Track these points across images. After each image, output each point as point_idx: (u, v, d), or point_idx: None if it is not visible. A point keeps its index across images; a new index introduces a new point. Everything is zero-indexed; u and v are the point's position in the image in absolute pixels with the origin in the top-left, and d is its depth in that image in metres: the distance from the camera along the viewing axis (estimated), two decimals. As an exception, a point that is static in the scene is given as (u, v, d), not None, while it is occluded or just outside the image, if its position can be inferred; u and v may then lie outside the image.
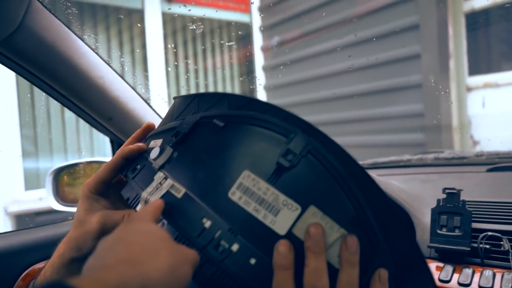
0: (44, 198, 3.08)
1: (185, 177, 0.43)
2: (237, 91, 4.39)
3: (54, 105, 3.26)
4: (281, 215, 0.38)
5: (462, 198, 0.71)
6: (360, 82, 3.11)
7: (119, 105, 0.84)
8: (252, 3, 4.12)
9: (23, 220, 3.02)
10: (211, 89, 4.21)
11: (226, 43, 4.30)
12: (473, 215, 0.69)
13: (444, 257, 0.68)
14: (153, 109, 0.93)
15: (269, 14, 3.97)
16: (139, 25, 3.64)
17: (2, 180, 3.03)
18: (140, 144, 0.51)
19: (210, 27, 4.21)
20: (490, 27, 3.01)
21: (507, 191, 0.79)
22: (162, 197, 0.43)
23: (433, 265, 0.69)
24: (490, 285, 0.60)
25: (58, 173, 1.13)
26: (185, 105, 0.50)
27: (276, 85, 3.98)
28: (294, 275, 0.36)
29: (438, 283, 0.65)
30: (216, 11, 4.07)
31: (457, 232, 0.68)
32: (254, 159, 0.40)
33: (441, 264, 0.68)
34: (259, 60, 4.16)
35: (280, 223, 0.37)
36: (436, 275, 0.66)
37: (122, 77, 0.84)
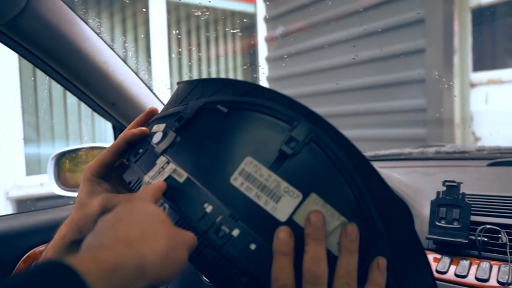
0: (45, 184, 3.10)
1: (188, 162, 0.43)
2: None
3: (57, 90, 3.26)
4: (282, 202, 0.38)
5: (462, 191, 0.71)
6: (363, 75, 3.11)
7: (122, 91, 0.84)
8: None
9: (25, 205, 3.04)
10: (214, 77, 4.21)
11: (230, 33, 4.28)
12: (472, 208, 0.69)
13: (442, 248, 0.69)
14: (156, 96, 0.93)
15: (274, 4, 3.95)
16: (144, 10, 3.62)
17: (4, 165, 3.04)
18: (143, 128, 0.50)
19: (215, 16, 4.19)
20: (496, 23, 2.99)
21: (507, 185, 0.80)
22: (166, 179, 0.43)
23: (431, 257, 0.69)
24: (486, 276, 0.61)
25: (60, 158, 1.14)
26: (189, 90, 0.50)
27: (279, 76, 3.97)
28: (293, 261, 0.36)
29: (436, 274, 0.65)
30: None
31: (455, 225, 0.68)
32: (257, 146, 0.40)
33: (438, 256, 0.68)
34: (262, 50, 4.15)
35: (281, 210, 0.37)
36: (433, 266, 0.67)
37: (125, 62, 0.84)
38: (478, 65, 3.07)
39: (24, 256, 0.85)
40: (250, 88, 0.44)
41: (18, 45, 0.68)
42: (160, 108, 0.55)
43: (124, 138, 0.50)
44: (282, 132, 0.40)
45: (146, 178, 0.45)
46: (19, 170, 3.11)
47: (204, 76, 4.15)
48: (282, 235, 0.36)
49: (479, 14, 2.96)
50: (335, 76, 3.33)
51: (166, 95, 3.66)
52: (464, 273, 0.63)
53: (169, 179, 0.43)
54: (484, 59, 3.07)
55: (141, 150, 0.49)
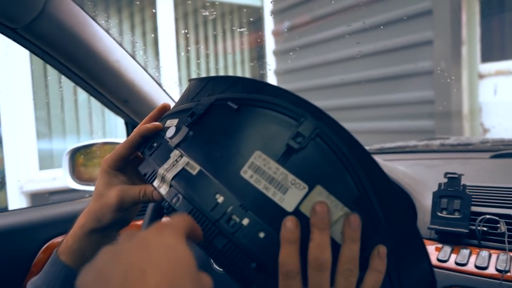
0: (57, 178, 3.16)
1: (200, 155, 0.45)
2: (247, 75, 4.40)
3: (67, 86, 3.31)
4: (289, 193, 0.40)
5: (463, 182, 0.73)
6: (371, 68, 3.11)
7: (134, 88, 0.88)
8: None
9: (39, 198, 3.11)
10: (221, 73, 4.23)
11: (237, 28, 4.29)
12: (472, 199, 0.71)
13: (444, 238, 0.71)
14: (166, 92, 0.96)
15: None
16: (151, 5, 3.65)
17: (18, 160, 3.11)
18: (157, 123, 0.53)
19: (222, 11, 4.20)
20: (504, 13, 2.97)
21: (509, 176, 0.82)
22: (178, 173, 0.45)
23: (432, 246, 0.72)
24: (485, 265, 0.63)
25: (74, 153, 1.17)
26: (200, 87, 0.52)
27: (287, 70, 3.98)
28: (299, 249, 0.39)
29: (437, 263, 0.68)
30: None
31: (456, 215, 0.71)
32: (266, 141, 0.42)
33: (440, 245, 0.71)
34: (269, 44, 4.16)
35: (288, 201, 0.39)
36: (435, 255, 0.69)
37: (136, 61, 0.87)
38: (487, 56, 3.06)
39: (44, 247, 0.90)
40: (259, 85, 0.46)
41: (35, 47, 0.71)
42: (170, 104, 0.57)
43: (139, 132, 0.53)
44: (289, 127, 0.42)
45: (161, 170, 0.47)
46: (33, 165, 3.18)
47: (212, 70, 4.18)
48: (289, 224, 0.38)
49: (487, 4, 2.94)
50: (342, 69, 3.33)
51: (175, 91, 3.70)
52: (464, 262, 0.66)
53: (183, 172, 0.45)
54: (493, 50, 3.05)
55: (155, 144, 0.51)
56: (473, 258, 0.66)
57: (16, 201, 3.09)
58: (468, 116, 3.13)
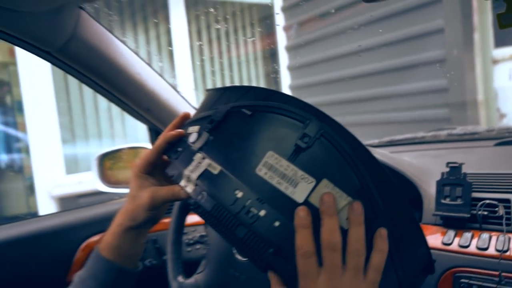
0: (83, 182, 3.29)
1: (220, 157, 0.51)
2: (260, 72, 4.46)
3: (88, 94, 3.43)
4: (299, 187, 0.46)
5: (466, 170, 0.79)
6: (383, 59, 3.12)
7: (155, 97, 0.95)
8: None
9: (67, 202, 3.24)
10: (235, 70, 4.29)
11: (249, 25, 4.35)
12: (473, 186, 0.76)
13: (447, 223, 0.77)
14: (184, 99, 1.04)
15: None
16: (164, 6, 3.73)
17: (45, 166, 3.25)
18: (180, 130, 0.59)
19: (232, 10, 4.27)
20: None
21: (510, 163, 0.86)
22: (201, 173, 0.52)
23: (438, 230, 0.77)
24: (486, 246, 0.69)
25: (103, 158, 1.26)
26: (217, 96, 0.58)
27: (299, 65, 4.02)
28: (313, 234, 0.44)
29: (442, 246, 0.73)
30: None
31: (458, 201, 0.76)
32: (277, 142, 0.48)
33: (444, 230, 0.76)
34: (281, 40, 4.20)
35: (299, 193, 0.45)
36: (439, 239, 0.75)
37: (156, 72, 0.95)
38: (500, 41, 3.04)
39: (82, 246, 0.98)
40: (270, 93, 0.52)
41: (68, 67, 0.80)
42: (187, 109, 0.64)
43: (164, 139, 0.60)
44: (297, 129, 0.48)
45: (186, 171, 0.53)
46: (59, 170, 3.31)
47: (226, 69, 4.24)
48: (301, 212, 0.44)
49: (498, -11, 2.92)
50: (355, 61, 3.36)
51: (192, 97, 3.77)
52: (467, 244, 0.71)
53: (206, 172, 0.51)
54: (506, 35, 3.03)
55: (179, 149, 0.57)
56: (474, 241, 0.71)
57: (45, 205, 3.23)
58: (484, 103, 3.12)
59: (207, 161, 0.52)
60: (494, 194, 0.75)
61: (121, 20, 3.61)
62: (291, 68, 4.13)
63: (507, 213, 0.71)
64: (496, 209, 0.72)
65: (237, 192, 0.48)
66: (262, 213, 0.46)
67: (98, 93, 0.92)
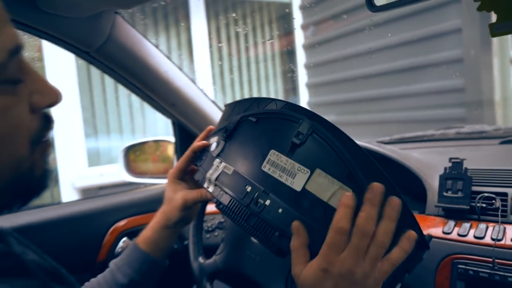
0: (104, 174, 3.41)
1: (233, 159, 0.62)
2: (278, 70, 4.52)
3: (110, 90, 3.55)
4: (297, 177, 0.54)
5: (469, 166, 0.84)
6: (399, 58, 3.15)
7: (180, 94, 1.03)
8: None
9: (89, 193, 3.37)
10: (253, 68, 4.36)
11: (267, 24, 4.41)
12: (474, 180, 0.82)
13: (449, 214, 0.83)
14: (206, 96, 1.12)
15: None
16: (183, 5, 3.82)
17: (69, 158, 3.38)
18: (205, 142, 0.71)
19: (251, 9, 4.33)
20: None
21: (511, 160, 0.91)
22: (219, 175, 0.62)
23: (439, 221, 0.83)
24: (482, 235, 0.75)
25: (129, 150, 1.35)
26: (231, 109, 0.69)
27: (316, 63, 4.06)
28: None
29: (442, 235, 0.79)
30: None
31: (459, 194, 0.82)
32: (277, 141, 0.58)
33: (446, 220, 0.82)
34: (299, 39, 4.25)
35: (297, 183, 0.54)
36: (440, 229, 0.81)
37: (182, 71, 1.03)
38: (519, 40, 3.02)
39: (110, 229, 1.07)
40: (270, 101, 0.63)
41: (104, 66, 0.88)
42: (208, 106, 0.72)
43: (192, 149, 0.72)
44: (292, 129, 0.57)
45: (208, 175, 0.64)
46: (82, 162, 3.44)
47: (244, 67, 4.32)
48: (349, 194, 0.49)
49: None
50: (372, 60, 3.38)
51: (211, 93, 3.85)
52: (465, 233, 0.77)
53: (222, 173, 0.62)
54: (525, 34, 3.00)
55: (204, 157, 0.69)
56: (472, 230, 0.77)
57: (68, 196, 3.37)
58: (501, 103, 3.11)
59: (223, 164, 0.63)
60: (492, 188, 0.81)
61: (146, 20, 3.71)
62: (308, 66, 4.18)
63: (503, 205, 0.77)
64: (493, 201, 0.78)
65: (247, 187, 0.58)
66: (268, 202, 0.55)
67: (128, 89, 1.01)
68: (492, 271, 0.71)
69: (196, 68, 3.88)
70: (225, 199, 0.60)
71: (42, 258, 0.52)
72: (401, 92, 3.20)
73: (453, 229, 0.79)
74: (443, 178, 0.85)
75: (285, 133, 0.58)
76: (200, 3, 3.87)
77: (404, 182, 1.05)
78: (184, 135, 1.20)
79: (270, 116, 0.60)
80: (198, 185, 0.72)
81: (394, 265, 0.49)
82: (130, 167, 1.35)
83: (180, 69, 1.01)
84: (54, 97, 0.47)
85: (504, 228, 0.74)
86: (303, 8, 4.14)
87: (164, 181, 1.29)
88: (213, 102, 1.12)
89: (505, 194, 0.78)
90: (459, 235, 0.77)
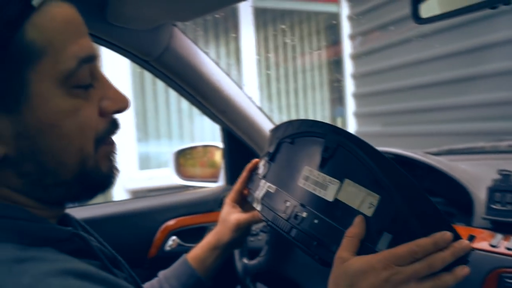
0: (153, 178, 3.55)
1: (275, 179, 0.69)
2: (324, 79, 4.53)
3: (161, 97, 3.71)
4: (328, 189, 0.58)
5: (517, 179, 0.83)
6: (450, 69, 3.06)
7: (231, 101, 1.09)
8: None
9: (139, 195, 3.51)
10: (299, 77, 4.39)
11: (314, 33, 4.43)
12: (524, 194, 0.80)
13: (497, 227, 0.81)
14: (255, 104, 1.16)
15: (357, 1, 4.01)
16: (233, 18, 3.93)
17: (122, 161, 3.55)
18: (256, 159, 0.79)
19: (299, 19, 4.38)
20: None
21: None
22: (264, 194, 0.69)
23: (487, 234, 0.82)
24: (532, 250, 0.73)
25: (179, 154, 1.42)
26: (273, 134, 0.76)
27: (364, 73, 4.03)
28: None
29: (490, 248, 0.78)
30: (306, 3, 4.23)
31: (508, 207, 0.80)
32: (309, 157, 0.63)
33: (493, 233, 0.81)
34: (346, 49, 4.23)
35: (329, 194, 0.58)
36: (487, 241, 0.80)
37: (233, 80, 1.08)
38: None
39: (161, 228, 1.14)
40: (300, 122, 0.68)
41: (162, 74, 0.95)
42: (256, 112, 0.77)
43: (245, 170, 0.80)
44: (320, 144, 0.61)
45: (255, 195, 0.71)
46: (133, 166, 3.60)
47: (291, 76, 4.35)
48: (449, 235, 0.50)
49: None
50: (421, 70, 3.31)
51: (256, 98, 3.92)
52: (513, 247, 0.76)
53: (267, 192, 0.69)
54: None
55: (254, 180, 0.76)
56: (521, 244, 0.75)
57: (120, 197, 3.53)
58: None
59: (267, 184, 0.70)
60: (544, 202, 0.79)
61: (201, 32, 3.86)
62: (355, 76, 4.15)
63: (554, 220, 0.75)
64: (544, 215, 0.76)
65: (286, 202, 0.63)
66: (304, 214, 0.60)
67: (183, 97, 1.07)
68: (541, 287, 0.69)
69: (244, 77, 3.96)
70: (270, 215, 0.66)
71: (103, 245, 0.58)
72: (450, 104, 3.11)
73: (501, 242, 0.78)
74: (492, 190, 0.83)
75: (315, 149, 0.62)
76: (249, 14, 3.96)
77: (450, 194, 1.04)
78: (232, 141, 1.25)
79: (302, 135, 0.66)
80: (251, 208, 0.77)
81: None
82: (179, 170, 1.42)
83: (230, 78, 1.07)
84: (122, 104, 0.52)
85: (554, 243, 0.72)
86: (350, 18, 4.12)
87: (211, 184, 1.34)
88: (260, 109, 1.16)
89: (557, 209, 0.76)
90: (507, 248, 0.76)
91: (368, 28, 3.89)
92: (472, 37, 2.91)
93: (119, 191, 3.53)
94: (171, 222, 1.16)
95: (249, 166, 0.80)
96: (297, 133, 0.67)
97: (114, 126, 0.52)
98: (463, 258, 0.57)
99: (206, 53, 1.01)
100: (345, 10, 4.19)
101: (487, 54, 2.87)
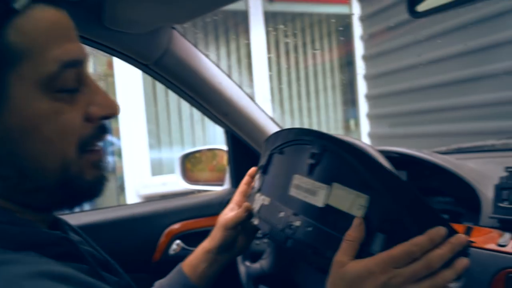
0: (167, 183, 3.57)
1: (268, 191, 0.69)
2: (336, 81, 4.50)
3: (173, 103, 3.74)
4: (318, 194, 0.58)
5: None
6: (461, 68, 3.01)
7: (233, 104, 1.08)
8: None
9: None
10: (311, 80, 4.37)
11: (326, 35, 4.41)
12: (532, 191, 0.77)
13: (505, 226, 0.78)
14: (258, 106, 1.15)
15: (369, 2, 3.98)
16: (243, 21, 3.94)
17: (135, 167, 3.58)
18: (254, 168, 0.81)
19: (310, 21, 4.36)
20: None
21: None
22: (260, 207, 0.69)
23: (495, 233, 0.79)
24: (541, 249, 0.70)
25: (185, 158, 1.42)
26: (265, 146, 0.77)
27: (376, 74, 3.99)
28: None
29: (497, 248, 0.76)
30: (317, 5, 4.22)
31: (516, 205, 0.78)
32: (298, 165, 0.63)
33: (501, 232, 0.78)
34: (358, 50, 4.20)
35: (319, 200, 0.58)
36: (496, 241, 0.77)
37: (234, 82, 1.08)
38: None
39: (165, 231, 1.14)
40: (287, 131, 0.69)
41: (162, 78, 0.95)
42: (261, 116, 0.76)
43: (248, 176, 0.81)
44: (307, 151, 0.61)
45: (252, 207, 0.72)
46: (146, 172, 3.63)
47: (302, 79, 4.34)
48: (442, 229, 0.49)
49: None
50: (434, 70, 3.26)
51: (267, 104, 3.92)
52: (522, 246, 0.73)
53: (262, 205, 0.69)
54: None
55: (250, 195, 0.77)
56: (530, 243, 0.73)
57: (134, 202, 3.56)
58: None
59: (262, 197, 0.70)
60: (553, 199, 0.76)
61: (205, 36, 3.88)
62: (367, 78, 4.11)
63: None
64: (553, 213, 0.73)
65: (280, 213, 0.63)
66: (298, 223, 0.59)
67: (184, 99, 1.07)
68: (550, 287, 0.67)
69: (255, 80, 3.96)
70: (266, 228, 0.66)
71: (95, 249, 0.58)
72: (463, 103, 3.05)
73: (509, 241, 0.75)
74: (499, 188, 0.81)
75: (303, 157, 0.62)
76: (259, 17, 3.97)
77: (459, 193, 1.01)
78: (236, 144, 1.24)
79: (290, 144, 0.67)
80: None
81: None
82: (186, 174, 1.42)
83: (231, 78, 1.06)
84: (110, 110, 0.51)
85: None
86: (362, 19, 4.09)
87: (217, 188, 1.34)
88: (263, 111, 1.15)
89: None
90: (515, 248, 0.73)
91: (380, 29, 3.86)
92: (483, 36, 2.86)
93: (133, 197, 3.56)
94: (175, 226, 1.15)
95: (251, 170, 0.81)
96: (285, 142, 0.68)
97: (100, 131, 0.51)
98: (463, 252, 0.55)
99: (207, 55, 1.00)
100: (356, 11, 4.16)
101: (498, 52, 2.81)
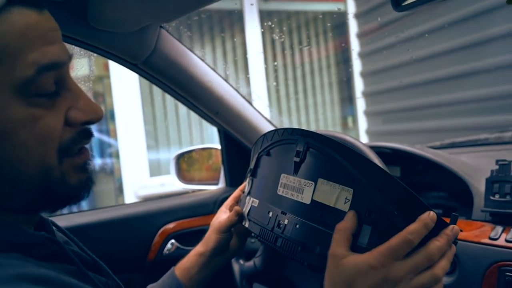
0: (165, 184, 3.56)
1: (257, 193, 0.70)
2: (334, 79, 4.49)
3: (170, 104, 3.73)
4: (304, 192, 0.59)
5: (515, 168, 0.79)
6: (458, 63, 3.01)
7: (224, 102, 1.08)
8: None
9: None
10: (308, 78, 4.36)
11: (321, 33, 4.40)
12: (523, 183, 0.77)
13: (496, 219, 0.78)
14: (250, 103, 1.15)
15: (363, 0, 3.98)
16: (239, 20, 3.93)
17: (133, 168, 3.58)
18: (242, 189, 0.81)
19: (305, 19, 4.36)
20: None
21: None
22: (249, 209, 0.70)
23: (486, 226, 0.79)
24: (532, 241, 0.70)
25: (179, 158, 1.42)
26: (253, 149, 0.77)
27: (372, 71, 3.99)
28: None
29: (489, 241, 0.76)
30: (312, 3, 4.21)
31: (507, 198, 0.77)
32: (284, 164, 0.64)
33: (493, 226, 0.78)
34: (354, 47, 4.19)
35: (306, 197, 0.59)
36: (487, 234, 0.77)
37: (225, 80, 1.07)
38: None
39: (160, 231, 1.13)
40: (273, 132, 0.69)
41: (151, 77, 0.95)
42: (254, 114, 0.76)
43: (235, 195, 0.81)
44: (292, 150, 0.62)
45: (243, 211, 0.73)
46: (144, 173, 3.63)
47: (299, 77, 4.33)
48: (433, 214, 0.49)
49: None
50: (430, 66, 3.26)
51: (264, 103, 3.91)
52: (513, 239, 0.73)
53: (251, 207, 0.70)
54: None
55: (241, 199, 0.77)
56: (521, 236, 0.72)
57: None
58: None
59: (252, 199, 0.71)
60: (544, 191, 0.75)
61: (197, 35, 3.87)
62: (364, 75, 4.11)
63: (555, 209, 0.71)
64: (544, 205, 0.73)
65: (269, 213, 0.64)
66: (286, 221, 0.61)
67: (176, 99, 1.07)
68: (542, 279, 0.66)
69: (251, 79, 3.95)
70: (257, 230, 0.67)
71: (82, 250, 0.57)
72: (459, 98, 3.05)
73: (501, 234, 0.75)
74: (490, 181, 0.81)
75: (289, 156, 0.63)
76: (255, 15, 3.96)
77: (452, 187, 1.01)
78: (229, 142, 1.24)
79: (275, 145, 0.68)
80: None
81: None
82: (180, 174, 1.41)
83: (221, 76, 1.06)
84: (92, 115, 0.49)
85: (556, 234, 0.69)
86: (358, 16, 4.09)
87: (212, 187, 1.34)
88: (256, 109, 1.15)
89: (558, 198, 0.73)
90: (507, 241, 0.73)
91: (376, 26, 3.85)
92: (475, 32, 2.86)
93: (131, 199, 3.56)
94: (170, 225, 1.15)
95: (237, 193, 0.82)
96: (271, 144, 0.69)
97: (83, 136, 0.49)
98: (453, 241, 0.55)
99: (195, 53, 1.00)
100: (351, 9, 4.15)
101: (490, 48, 2.81)
